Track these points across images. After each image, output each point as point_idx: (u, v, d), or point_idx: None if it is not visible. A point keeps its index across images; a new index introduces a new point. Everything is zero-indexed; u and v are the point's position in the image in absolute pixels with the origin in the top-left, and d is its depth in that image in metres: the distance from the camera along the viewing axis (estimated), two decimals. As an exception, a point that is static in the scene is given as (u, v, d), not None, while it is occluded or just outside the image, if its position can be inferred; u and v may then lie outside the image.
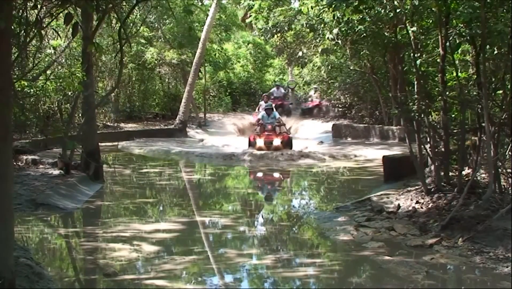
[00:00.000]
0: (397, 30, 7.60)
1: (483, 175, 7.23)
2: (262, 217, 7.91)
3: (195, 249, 5.82)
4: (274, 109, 15.70)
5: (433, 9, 6.94)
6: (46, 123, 13.86)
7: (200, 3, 21.66)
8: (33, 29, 4.48)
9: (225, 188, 10.35)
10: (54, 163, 9.68)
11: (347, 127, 17.41)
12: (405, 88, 8.81)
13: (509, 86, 6.55)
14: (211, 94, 25.20)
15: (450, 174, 7.21)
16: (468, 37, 6.63)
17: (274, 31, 16.49)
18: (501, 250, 5.11)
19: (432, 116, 7.57)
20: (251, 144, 13.91)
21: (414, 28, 7.35)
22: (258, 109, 18.27)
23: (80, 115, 11.10)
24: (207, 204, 8.82)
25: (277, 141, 13.60)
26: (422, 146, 7.39)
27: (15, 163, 9.19)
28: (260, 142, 13.58)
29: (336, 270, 5.24)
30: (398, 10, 7.17)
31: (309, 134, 17.86)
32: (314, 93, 23.34)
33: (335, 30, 8.82)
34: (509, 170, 6.63)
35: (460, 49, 7.64)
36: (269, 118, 14.62)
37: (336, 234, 6.21)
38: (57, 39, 13.69)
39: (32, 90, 9.51)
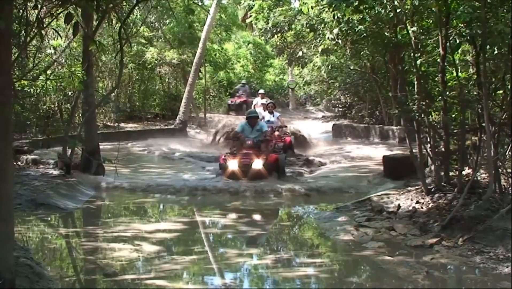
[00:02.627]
0: (397, 30, 7.60)
1: (483, 175, 7.23)
2: (262, 216, 7.89)
3: (195, 248, 5.82)
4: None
5: (433, 9, 6.95)
6: (46, 123, 13.88)
7: (200, 3, 21.70)
8: (33, 29, 4.49)
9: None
10: (54, 163, 9.68)
11: (347, 127, 17.43)
12: (405, 88, 8.80)
13: (509, 86, 6.55)
14: (211, 94, 25.22)
15: (450, 174, 7.21)
16: (468, 37, 6.64)
17: (274, 31, 16.50)
18: (501, 250, 5.10)
19: (432, 116, 7.58)
20: (222, 167, 9.62)
21: (414, 28, 7.36)
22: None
23: (80, 115, 11.12)
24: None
25: (257, 164, 9.30)
26: (422, 146, 7.39)
27: (15, 163, 9.20)
28: (233, 165, 9.34)
29: (336, 270, 5.23)
30: (398, 10, 7.18)
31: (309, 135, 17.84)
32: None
33: (335, 30, 8.82)
34: (509, 170, 6.63)
35: (460, 49, 7.64)
36: (252, 131, 10.12)
37: (336, 234, 6.21)
38: (57, 39, 13.70)
39: (32, 90, 9.53)
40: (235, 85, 27.89)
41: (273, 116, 13.03)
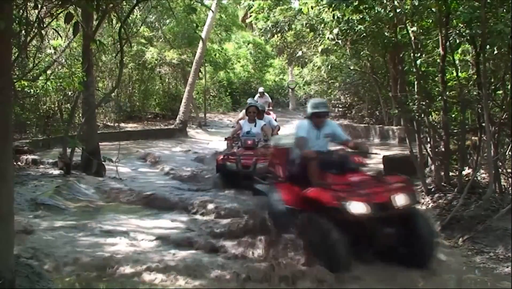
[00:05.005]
0: (397, 30, 7.61)
1: (483, 175, 7.23)
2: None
3: (194, 245, 5.76)
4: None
5: (433, 9, 6.95)
6: (46, 123, 13.89)
7: (200, 2, 21.73)
8: (33, 29, 4.49)
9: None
10: (54, 163, 9.68)
11: (347, 127, 17.42)
12: (405, 88, 8.82)
13: (509, 86, 6.56)
14: (211, 94, 25.23)
15: (450, 174, 7.21)
16: (468, 37, 6.64)
17: (274, 31, 16.49)
18: (501, 250, 5.11)
19: (432, 116, 7.58)
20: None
21: (414, 28, 7.36)
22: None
23: (80, 115, 11.12)
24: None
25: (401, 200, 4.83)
26: (422, 146, 7.39)
27: (15, 163, 9.20)
28: (361, 208, 4.60)
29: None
30: (398, 10, 7.18)
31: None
32: None
33: (335, 30, 8.81)
34: (509, 170, 6.63)
35: (460, 49, 7.64)
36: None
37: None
38: (57, 39, 13.70)
39: (32, 90, 9.54)
40: (235, 86, 27.91)
41: (255, 126, 8.86)
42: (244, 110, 10.00)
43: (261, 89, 16.98)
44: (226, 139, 9.40)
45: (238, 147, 8.92)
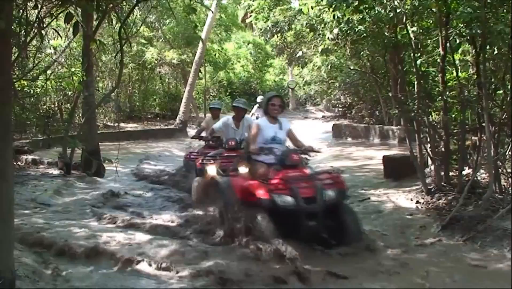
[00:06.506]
0: (397, 30, 7.61)
1: (483, 175, 7.23)
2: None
3: (193, 242, 5.75)
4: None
5: (433, 9, 6.95)
6: (46, 123, 13.91)
7: (200, 3, 21.74)
8: (33, 29, 4.50)
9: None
10: (54, 163, 9.68)
11: (347, 127, 17.43)
12: (405, 88, 8.82)
13: (509, 86, 6.56)
14: (211, 94, 25.24)
15: (450, 174, 7.21)
16: (468, 37, 6.64)
17: (274, 31, 16.52)
18: (501, 250, 5.11)
19: (432, 116, 7.58)
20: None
21: (414, 28, 7.36)
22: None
23: (80, 115, 11.13)
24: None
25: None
26: (422, 146, 7.39)
27: (15, 163, 9.20)
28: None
29: (336, 269, 5.22)
30: (398, 10, 7.18)
31: (310, 135, 17.85)
32: None
33: (335, 30, 8.82)
34: (509, 170, 6.63)
35: (460, 49, 7.64)
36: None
37: (336, 233, 6.18)
38: (57, 39, 13.71)
39: (32, 90, 9.55)
40: (235, 86, 27.92)
41: (280, 128, 5.95)
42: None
43: (259, 98, 13.75)
44: (248, 152, 5.81)
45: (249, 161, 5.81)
